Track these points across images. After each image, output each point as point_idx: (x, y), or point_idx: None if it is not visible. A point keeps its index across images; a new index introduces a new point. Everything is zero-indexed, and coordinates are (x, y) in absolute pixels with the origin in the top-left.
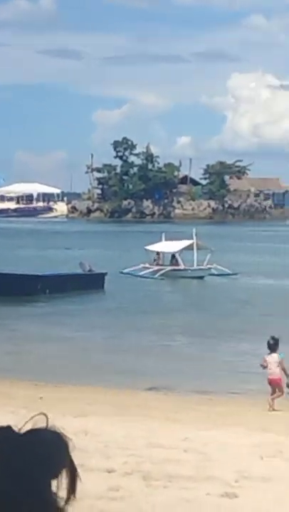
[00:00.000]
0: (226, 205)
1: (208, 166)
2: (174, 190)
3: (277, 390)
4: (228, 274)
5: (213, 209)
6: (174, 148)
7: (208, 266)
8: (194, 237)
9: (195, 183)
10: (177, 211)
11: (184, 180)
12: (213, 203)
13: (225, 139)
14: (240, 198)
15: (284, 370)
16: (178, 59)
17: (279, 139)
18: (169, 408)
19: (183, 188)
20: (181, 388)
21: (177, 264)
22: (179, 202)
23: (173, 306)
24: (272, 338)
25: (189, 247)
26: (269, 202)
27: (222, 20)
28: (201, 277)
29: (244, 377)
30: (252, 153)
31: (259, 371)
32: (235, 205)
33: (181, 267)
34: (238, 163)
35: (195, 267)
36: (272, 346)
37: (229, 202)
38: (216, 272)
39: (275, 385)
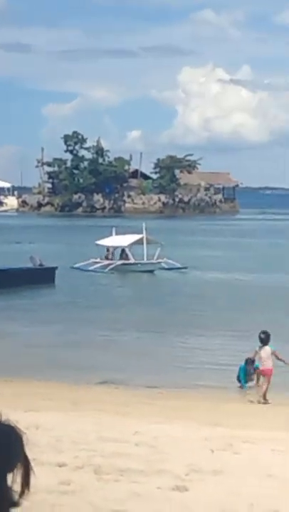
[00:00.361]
0: (177, 200)
1: (158, 160)
2: (125, 185)
3: (264, 380)
4: (178, 268)
5: (163, 203)
6: (125, 143)
7: (158, 260)
8: (144, 232)
9: (145, 177)
10: (128, 205)
11: (135, 174)
12: (163, 197)
13: (175, 133)
14: (190, 192)
15: (278, 357)
16: (129, 53)
17: (229, 134)
18: (120, 402)
19: (133, 182)
20: (132, 382)
21: (127, 258)
22: (129, 196)
23: (123, 300)
24: (263, 332)
25: (139, 242)
26: (219, 196)
27: (173, 15)
28: (151, 271)
29: (195, 371)
30: (202, 147)
31: (208, 365)
32: (186, 199)
33: (131, 261)
34: (188, 158)
35: (145, 261)
36: (264, 340)
37: (180, 196)
38: (166, 266)
39: (265, 376)
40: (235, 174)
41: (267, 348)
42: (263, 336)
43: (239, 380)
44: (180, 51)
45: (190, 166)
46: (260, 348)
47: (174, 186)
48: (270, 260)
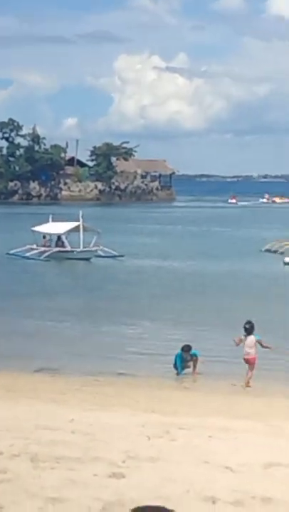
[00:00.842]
0: (113, 187)
1: (94, 147)
2: (61, 172)
3: (250, 367)
4: (115, 256)
5: (100, 191)
6: (61, 130)
7: (95, 248)
8: (80, 219)
9: (82, 164)
10: (64, 193)
11: (71, 161)
12: (100, 185)
13: (112, 121)
14: (127, 179)
15: (262, 345)
16: (63, 40)
17: (165, 121)
18: (56, 390)
19: (70, 169)
20: (67, 370)
21: (63, 245)
22: (65, 183)
23: (59, 288)
24: (248, 322)
25: (76, 229)
26: (156, 184)
27: (109, 2)
28: (88, 259)
29: (131, 359)
30: (139, 135)
31: (144, 353)
32: (122, 186)
33: (68, 248)
34: (124, 145)
35: (81, 248)
36: (249, 330)
37: (116, 183)
38: (102, 254)
39: (250, 364)
40: (172, 162)
41: (251, 337)
42: (247, 326)
43: (176, 368)
44: (116, 38)
45: (126, 154)
46: (245, 337)
47: (111, 174)
48: (205, 248)
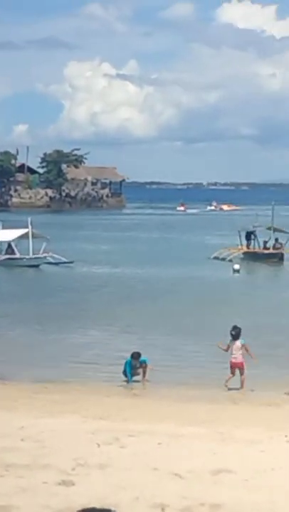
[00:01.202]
0: (64, 194)
1: (45, 154)
2: (11, 179)
3: (240, 372)
4: (64, 263)
5: (50, 197)
6: (11, 137)
7: (44, 254)
8: (30, 226)
9: (32, 171)
10: (14, 200)
11: (21, 168)
12: (50, 192)
13: (62, 128)
14: (77, 186)
15: (247, 350)
16: (13, 46)
17: (116, 128)
18: (6, 397)
19: (20, 176)
20: (17, 377)
21: (13, 252)
22: (16, 190)
23: (8, 295)
24: (234, 328)
25: (25, 236)
26: (106, 191)
27: (59, 9)
28: (37, 266)
29: (80, 365)
30: (89, 142)
31: (94, 360)
32: (73, 193)
33: (17, 255)
34: (75, 152)
35: (30, 255)
36: (235, 336)
37: (66, 191)
38: (52, 261)
39: (237, 368)
40: (122, 169)
41: (237, 343)
42: (233, 332)
43: (125, 375)
44: (67, 45)
45: (77, 161)
46: (231, 342)
47: (61, 181)
48: (154, 255)
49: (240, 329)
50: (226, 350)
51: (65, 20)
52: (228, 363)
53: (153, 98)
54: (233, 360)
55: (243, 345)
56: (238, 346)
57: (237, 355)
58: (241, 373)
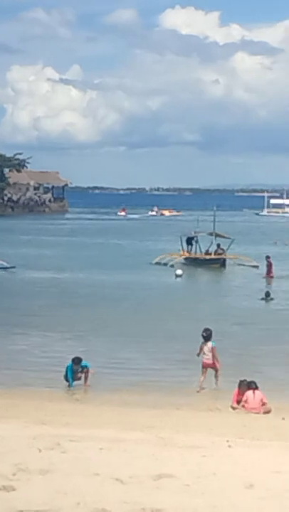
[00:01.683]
0: (6, 199)
1: None
2: None
3: (215, 370)
4: (5, 268)
5: None
6: None
7: None
8: None
9: None
10: None
11: None
12: None
13: (4, 132)
14: (19, 191)
15: (213, 354)
16: None
17: (59, 133)
18: None
19: None
20: None
21: None
22: None
23: None
24: (206, 330)
25: None
26: (49, 195)
27: (2, 13)
28: None
29: (21, 370)
30: (32, 146)
31: (35, 365)
32: (15, 198)
33: None
34: (17, 156)
35: None
36: (206, 337)
37: (8, 195)
38: None
39: (209, 368)
40: (65, 174)
41: (209, 344)
42: (204, 334)
43: (67, 379)
44: (9, 49)
45: (19, 165)
46: (203, 343)
47: (3, 185)
48: (97, 260)
49: (211, 331)
50: (198, 355)
51: (8, 25)
52: (201, 363)
53: (96, 103)
54: (206, 361)
55: (212, 348)
56: (209, 347)
57: (209, 356)
58: (216, 371)
